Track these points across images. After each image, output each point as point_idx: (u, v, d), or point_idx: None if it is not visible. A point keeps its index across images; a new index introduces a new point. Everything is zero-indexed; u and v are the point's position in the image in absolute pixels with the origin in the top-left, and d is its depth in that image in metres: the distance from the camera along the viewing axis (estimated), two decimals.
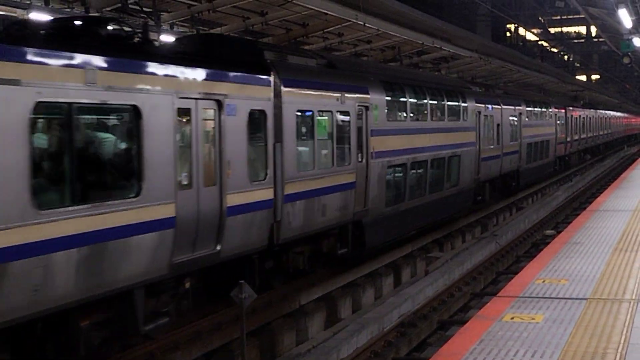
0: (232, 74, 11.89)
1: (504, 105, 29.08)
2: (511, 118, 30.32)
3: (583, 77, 79.33)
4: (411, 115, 19.69)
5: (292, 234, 13.36)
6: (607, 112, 67.87)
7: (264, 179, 12.58)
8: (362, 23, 20.04)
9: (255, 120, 12.38)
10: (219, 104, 11.44)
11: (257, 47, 13.65)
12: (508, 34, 68.58)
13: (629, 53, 32.48)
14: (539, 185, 37.96)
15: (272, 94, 12.73)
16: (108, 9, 14.74)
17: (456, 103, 23.45)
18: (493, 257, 20.14)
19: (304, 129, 13.90)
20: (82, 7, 15.13)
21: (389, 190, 17.75)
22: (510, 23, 65.73)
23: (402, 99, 19.15)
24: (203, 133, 11.23)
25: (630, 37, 30.32)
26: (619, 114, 78.47)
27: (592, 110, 57.75)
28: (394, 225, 18.03)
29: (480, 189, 26.40)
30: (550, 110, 39.39)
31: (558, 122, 41.12)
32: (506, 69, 38.09)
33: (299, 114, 13.52)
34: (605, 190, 25.43)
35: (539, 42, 73.05)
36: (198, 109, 11.05)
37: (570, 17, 72.62)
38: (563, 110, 43.41)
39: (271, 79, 12.82)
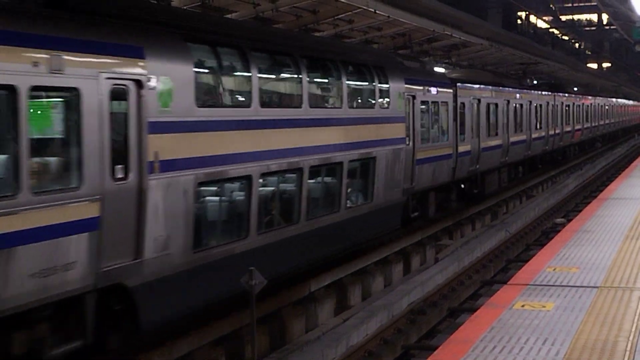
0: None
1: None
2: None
3: (594, 65, 78.97)
4: None
5: None
6: (578, 97, 46.21)
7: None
8: (372, 10, 19.99)
9: None
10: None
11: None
12: (519, 21, 68.28)
13: None
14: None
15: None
16: None
17: None
18: (503, 245, 20.12)
19: None
20: None
21: None
22: (521, 10, 65.47)
23: None
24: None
25: None
26: (604, 100, 58.07)
27: (544, 93, 36.55)
28: None
29: None
30: (387, 86, 17.38)
31: (427, 113, 20.53)
32: (517, 57, 37.89)
33: None
34: (616, 178, 25.36)
35: (550, 30, 72.73)
36: None
37: (582, 4, 72.41)
38: (449, 91, 22.35)
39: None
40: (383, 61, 18.18)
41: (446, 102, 21.99)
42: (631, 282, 9.57)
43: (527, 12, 67.27)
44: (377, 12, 20.34)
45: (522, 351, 7.08)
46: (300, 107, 13.84)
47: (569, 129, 41.69)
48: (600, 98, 56.17)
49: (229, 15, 18.50)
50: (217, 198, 12.01)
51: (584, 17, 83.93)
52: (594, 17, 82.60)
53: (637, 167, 27.14)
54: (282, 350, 12.29)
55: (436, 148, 20.86)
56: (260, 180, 12.67)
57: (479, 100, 25.12)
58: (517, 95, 30.64)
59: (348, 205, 15.52)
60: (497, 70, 36.21)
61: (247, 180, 12.24)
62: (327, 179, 15.04)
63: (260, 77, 12.72)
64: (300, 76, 13.96)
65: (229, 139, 11.73)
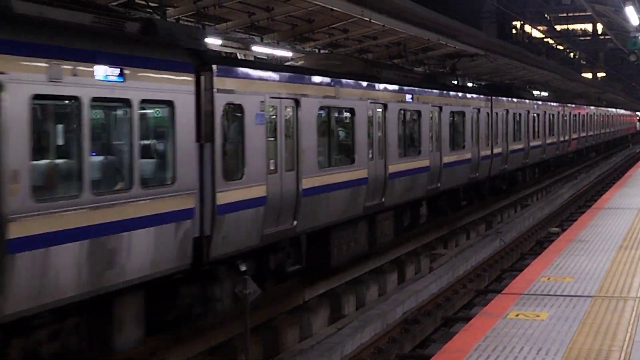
0: None
1: None
2: None
3: (589, 75, 79.21)
4: None
5: None
6: (536, 103, 35.66)
7: None
8: (367, 19, 20.02)
9: None
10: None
11: None
12: (514, 31, 68.53)
13: (636, 51, 32.39)
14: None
15: None
16: (114, 3, 14.70)
17: None
18: (497, 255, 20.11)
19: None
20: None
21: None
22: (516, 20, 65.66)
23: None
24: None
25: (637, 35, 30.24)
26: (579, 108, 47.18)
27: (473, 96, 25.86)
28: None
29: None
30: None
31: (73, 126, 9.36)
32: (512, 66, 37.96)
33: None
34: (610, 188, 25.38)
35: (545, 40, 72.97)
36: None
37: (577, 14, 72.55)
38: (181, 79, 10.98)
39: None
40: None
41: (170, 103, 10.87)
42: (625, 291, 9.56)
43: (521, 22, 67.48)
44: (372, 21, 20.38)
45: None
46: None
47: (519, 146, 31.51)
48: (574, 105, 45.86)
49: (223, 25, 18.51)
50: None
51: (578, 27, 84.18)
52: (588, 27, 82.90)
53: (632, 177, 27.17)
54: None
55: (101, 205, 9.56)
56: None
57: (297, 103, 14.09)
58: (409, 97, 19.59)
59: None
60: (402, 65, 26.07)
61: None
62: None
63: None
64: None
65: None
